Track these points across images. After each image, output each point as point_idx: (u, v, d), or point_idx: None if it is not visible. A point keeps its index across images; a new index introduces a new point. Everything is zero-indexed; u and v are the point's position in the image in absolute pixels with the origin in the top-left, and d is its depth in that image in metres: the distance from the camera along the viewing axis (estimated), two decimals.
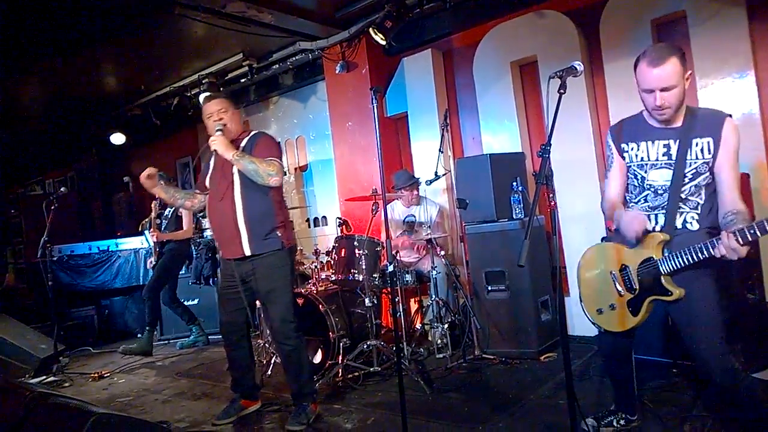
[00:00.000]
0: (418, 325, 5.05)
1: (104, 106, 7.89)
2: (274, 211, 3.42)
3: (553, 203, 2.29)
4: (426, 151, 5.65)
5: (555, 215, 2.30)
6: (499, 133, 5.32)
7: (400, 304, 4.48)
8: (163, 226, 5.93)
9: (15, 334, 5.49)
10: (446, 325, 4.58)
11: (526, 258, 2.18)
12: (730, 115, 2.43)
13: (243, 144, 3.49)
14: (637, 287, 2.51)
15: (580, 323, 4.67)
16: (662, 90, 2.31)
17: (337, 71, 6.01)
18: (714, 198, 2.42)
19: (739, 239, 2.08)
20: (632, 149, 2.52)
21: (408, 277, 4.70)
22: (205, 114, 3.50)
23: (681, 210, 2.44)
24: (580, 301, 2.75)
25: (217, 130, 3.35)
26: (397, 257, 4.76)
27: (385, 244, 3.12)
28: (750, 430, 2.49)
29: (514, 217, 4.40)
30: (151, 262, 6.11)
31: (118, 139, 8.14)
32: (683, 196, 2.43)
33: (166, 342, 6.50)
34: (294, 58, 6.51)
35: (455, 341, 4.58)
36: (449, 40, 5.76)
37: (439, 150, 4.98)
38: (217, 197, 3.47)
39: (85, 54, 6.02)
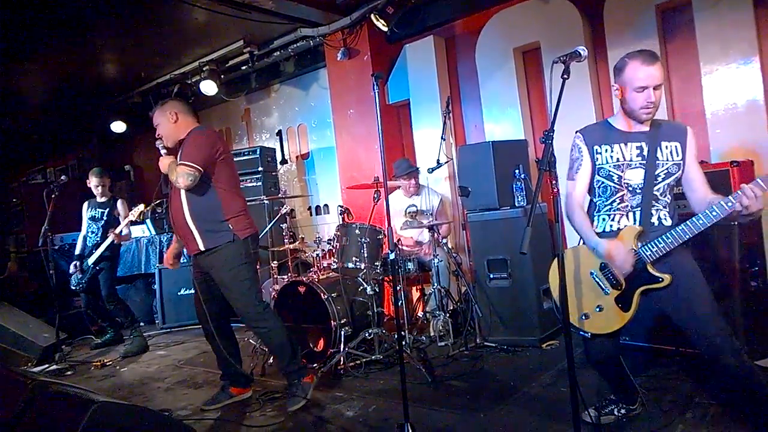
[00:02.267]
0: (419, 313, 5.05)
1: (105, 95, 7.87)
2: (221, 204, 3.47)
3: (555, 190, 2.26)
4: (428, 138, 5.63)
5: (557, 202, 2.28)
6: (501, 120, 5.29)
7: (402, 293, 4.47)
8: (100, 233, 5.60)
9: (17, 322, 5.51)
10: (448, 314, 4.58)
11: (528, 246, 2.16)
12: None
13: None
14: (624, 281, 2.52)
15: None
16: (655, 88, 2.44)
17: (338, 58, 5.97)
18: (673, 201, 2.60)
19: (763, 185, 2.20)
20: (606, 151, 2.60)
21: (410, 266, 4.69)
22: None
23: (655, 207, 2.55)
24: (556, 311, 2.71)
25: (161, 151, 3.54)
26: (399, 245, 4.75)
27: (386, 232, 3.10)
28: (753, 416, 2.48)
29: (517, 204, 4.37)
30: (75, 266, 5.65)
31: (118, 127, 8.13)
32: (657, 194, 2.54)
33: (169, 330, 6.52)
34: (295, 45, 6.48)
35: (457, 329, 4.58)
36: (452, 26, 5.71)
37: (441, 137, 4.95)
38: (172, 199, 3.59)
39: (86, 41, 5.99)
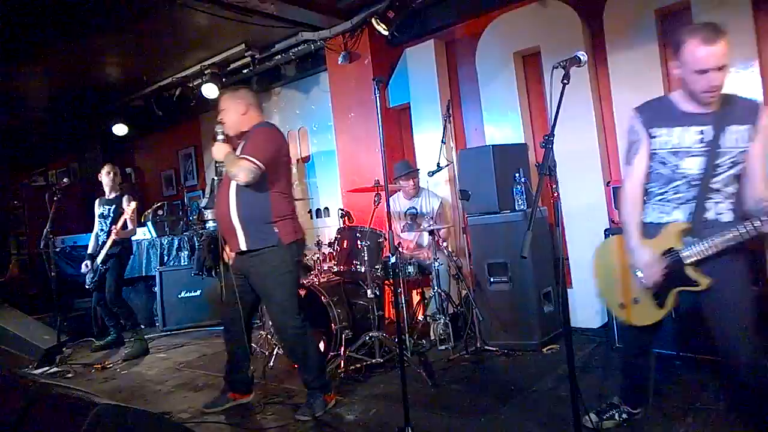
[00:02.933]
0: (420, 317, 5.04)
1: (107, 97, 7.88)
2: (271, 205, 3.37)
3: (555, 194, 2.27)
4: (428, 142, 5.63)
5: (558, 206, 2.29)
6: (501, 124, 5.29)
7: (403, 296, 4.47)
8: (108, 225, 5.59)
9: (18, 324, 5.51)
10: (448, 317, 4.58)
11: (528, 250, 2.17)
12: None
13: (245, 138, 3.50)
14: (660, 279, 2.43)
15: (582, 315, 4.66)
16: (718, 69, 2.19)
17: (339, 62, 5.98)
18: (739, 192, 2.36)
19: None
20: (664, 134, 2.37)
21: (410, 269, 4.69)
22: None
23: (713, 200, 2.34)
24: (600, 295, 2.73)
25: (219, 137, 3.43)
26: (400, 249, 4.75)
27: (387, 236, 3.11)
28: (758, 423, 2.46)
29: (517, 208, 4.38)
30: (86, 265, 5.64)
31: (120, 130, 8.14)
32: (716, 186, 2.32)
33: (169, 333, 6.52)
34: (296, 49, 6.48)
35: (457, 333, 4.58)
36: (452, 30, 5.72)
37: (442, 141, 4.96)
38: (220, 192, 3.52)
39: (88, 44, 6.00)
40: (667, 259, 2.40)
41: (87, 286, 5.65)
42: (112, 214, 5.61)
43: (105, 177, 5.74)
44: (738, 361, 2.29)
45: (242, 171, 3.24)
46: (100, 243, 5.60)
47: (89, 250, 5.73)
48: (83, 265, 5.63)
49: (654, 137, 2.39)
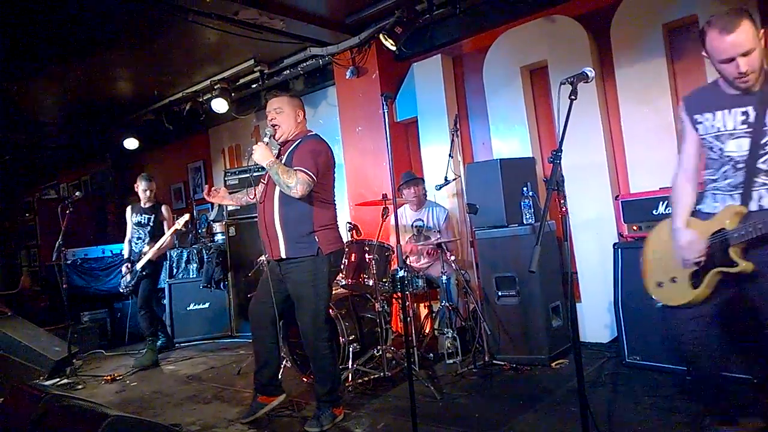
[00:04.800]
0: (428, 331, 5.04)
1: (118, 112, 7.99)
2: (313, 215, 3.40)
3: (564, 209, 2.29)
4: (436, 156, 5.66)
5: (566, 221, 2.30)
6: (509, 138, 5.31)
7: (411, 310, 4.47)
8: (147, 239, 5.79)
9: (29, 336, 5.55)
10: (456, 331, 4.57)
11: (537, 264, 2.18)
12: None
13: (292, 147, 3.53)
14: (701, 258, 2.39)
15: (591, 330, 4.65)
16: (744, 55, 2.19)
17: (347, 77, 6.04)
18: None
19: None
20: (707, 120, 2.37)
21: (419, 282, 4.70)
22: (266, 113, 3.61)
23: (764, 186, 2.28)
24: (642, 275, 2.69)
25: (265, 138, 3.44)
26: (408, 262, 4.76)
27: (395, 249, 3.13)
28: None
29: (525, 222, 4.38)
30: (127, 267, 5.83)
31: (131, 144, 8.23)
32: (764, 167, 2.27)
33: (177, 345, 6.54)
34: (305, 64, 6.55)
35: (465, 347, 4.57)
36: (459, 45, 5.77)
37: (449, 155, 4.98)
38: (264, 198, 3.54)
39: (100, 60, 6.09)
40: (712, 239, 2.36)
41: (121, 290, 5.83)
42: (151, 223, 5.83)
43: (142, 193, 5.89)
44: None
45: (300, 183, 3.26)
46: (138, 250, 5.78)
47: (125, 255, 5.93)
48: (123, 268, 5.82)
49: (699, 123, 2.40)
